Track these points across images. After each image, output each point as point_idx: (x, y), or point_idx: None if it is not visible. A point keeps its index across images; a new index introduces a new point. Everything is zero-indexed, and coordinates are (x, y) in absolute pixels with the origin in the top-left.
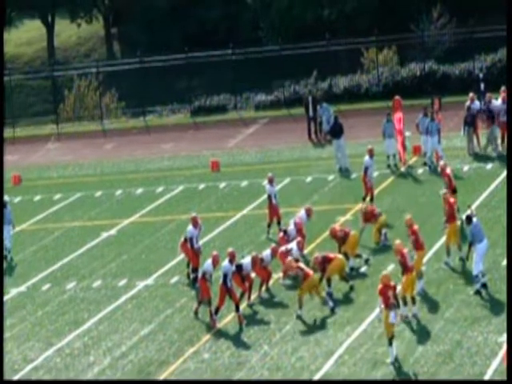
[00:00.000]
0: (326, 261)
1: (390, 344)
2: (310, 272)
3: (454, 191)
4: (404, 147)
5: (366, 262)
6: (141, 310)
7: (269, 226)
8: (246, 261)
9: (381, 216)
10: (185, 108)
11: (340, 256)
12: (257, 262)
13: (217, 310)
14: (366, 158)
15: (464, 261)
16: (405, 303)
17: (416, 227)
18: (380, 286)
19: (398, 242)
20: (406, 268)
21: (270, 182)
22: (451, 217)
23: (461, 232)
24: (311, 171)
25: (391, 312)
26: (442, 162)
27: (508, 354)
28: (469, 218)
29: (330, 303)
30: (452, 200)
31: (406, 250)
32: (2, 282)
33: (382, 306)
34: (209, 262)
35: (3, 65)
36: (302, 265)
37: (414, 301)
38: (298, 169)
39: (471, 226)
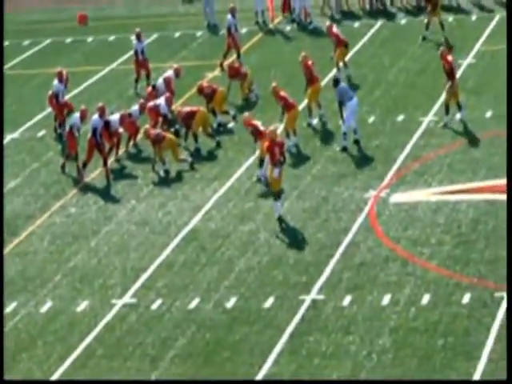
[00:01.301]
0: (189, 116)
1: (275, 199)
2: (167, 135)
3: (346, 46)
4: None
5: (234, 118)
6: (7, 164)
7: (136, 81)
8: (115, 117)
9: (246, 73)
10: None
11: (202, 108)
12: (125, 119)
13: (84, 165)
14: (229, 16)
15: (323, 120)
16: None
17: (282, 93)
18: (267, 143)
19: (245, 114)
20: (259, 134)
21: (138, 37)
22: (312, 79)
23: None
24: (180, 27)
25: (276, 168)
26: (328, 23)
27: (508, 352)
28: (336, 81)
29: (189, 159)
30: (310, 62)
31: (254, 122)
32: (1, 281)
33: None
34: (76, 115)
35: (3, 64)
36: (158, 130)
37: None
38: (166, 24)
39: (338, 88)
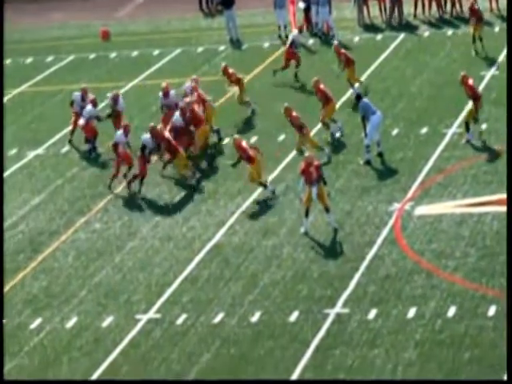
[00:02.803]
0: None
1: (307, 215)
2: (181, 150)
3: (353, 63)
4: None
5: (253, 112)
6: (31, 180)
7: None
8: (176, 117)
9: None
10: None
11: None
12: (185, 111)
13: (134, 178)
14: (295, 31)
15: (333, 135)
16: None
17: (322, 86)
18: (302, 166)
19: (236, 136)
20: (249, 159)
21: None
22: (327, 100)
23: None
24: (202, 42)
25: (313, 188)
26: (335, 42)
27: (508, 353)
28: (358, 96)
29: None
30: (322, 86)
31: (244, 143)
32: (1, 283)
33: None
34: (120, 132)
35: (3, 64)
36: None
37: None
38: (189, 39)
39: (361, 103)
